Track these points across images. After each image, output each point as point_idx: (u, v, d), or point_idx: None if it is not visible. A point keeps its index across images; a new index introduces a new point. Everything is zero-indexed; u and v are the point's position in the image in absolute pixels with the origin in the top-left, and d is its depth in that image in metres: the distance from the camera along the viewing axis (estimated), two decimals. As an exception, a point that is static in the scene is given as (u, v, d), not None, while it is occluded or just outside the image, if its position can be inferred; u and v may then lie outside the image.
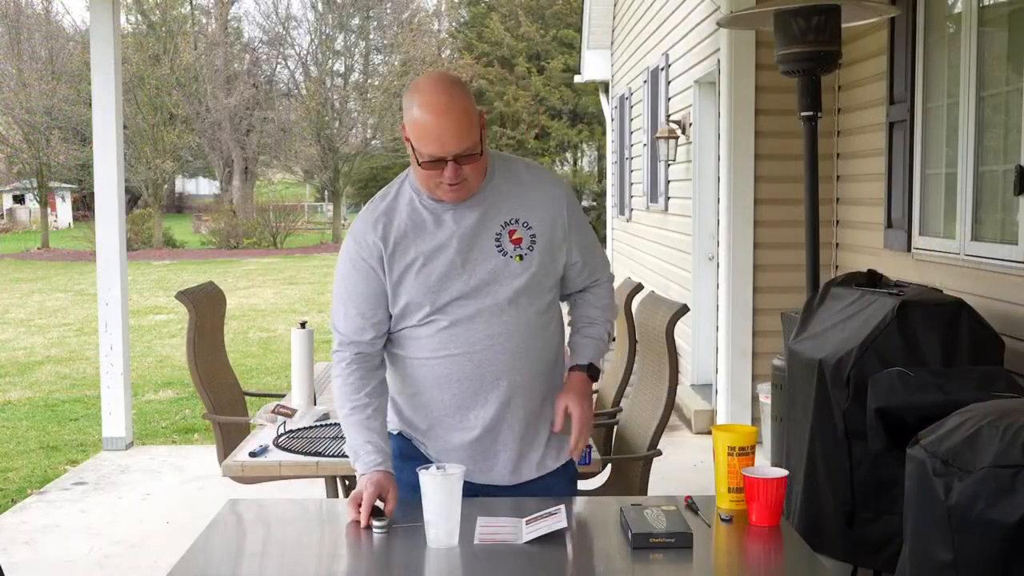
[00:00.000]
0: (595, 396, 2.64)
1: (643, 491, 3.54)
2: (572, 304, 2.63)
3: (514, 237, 2.43)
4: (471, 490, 2.45)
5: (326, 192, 38.71)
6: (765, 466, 2.32)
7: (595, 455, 3.38)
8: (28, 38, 33.53)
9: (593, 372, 2.54)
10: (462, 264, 2.41)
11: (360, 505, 2.25)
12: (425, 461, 2.43)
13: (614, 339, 2.74)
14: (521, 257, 2.43)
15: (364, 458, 2.35)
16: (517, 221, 2.44)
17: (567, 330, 2.65)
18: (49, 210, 36.06)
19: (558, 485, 2.55)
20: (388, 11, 36.53)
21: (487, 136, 2.43)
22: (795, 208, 5.83)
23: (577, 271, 2.55)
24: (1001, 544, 2.40)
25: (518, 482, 2.50)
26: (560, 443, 2.57)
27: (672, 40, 8.39)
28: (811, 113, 4.57)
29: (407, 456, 2.48)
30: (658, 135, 8.37)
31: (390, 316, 2.46)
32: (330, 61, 35.84)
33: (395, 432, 2.56)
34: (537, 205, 2.47)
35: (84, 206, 40.67)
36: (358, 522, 2.24)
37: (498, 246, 2.42)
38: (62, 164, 33.11)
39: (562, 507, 2.24)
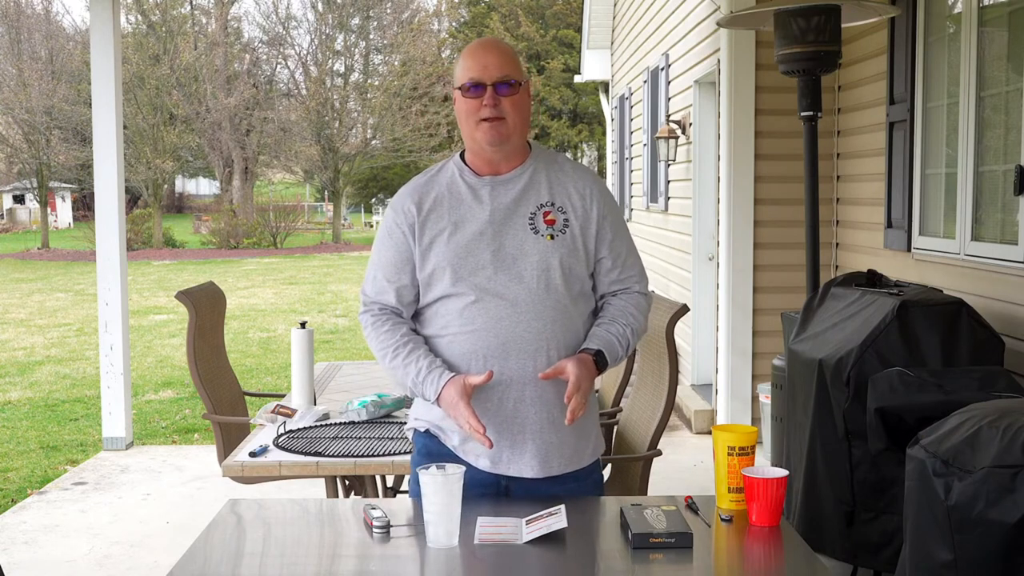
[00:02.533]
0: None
1: (643, 491, 3.53)
2: (600, 308, 2.60)
3: (548, 218, 2.48)
4: (500, 484, 2.46)
5: (326, 192, 38.69)
6: (765, 466, 2.32)
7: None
8: (28, 38, 33.55)
9: (599, 359, 2.46)
10: (492, 235, 2.45)
11: (469, 420, 2.33)
12: (452, 458, 2.44)
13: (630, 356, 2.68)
14: (552, 236, 2.47)
15: (438, 375, 2.40)
16: (553, 205, 2.50)
17: None
18: (49, 210, 36.09)
19: (583, 490, 2.53)
20: (388, 11, 36.53)
21: (531, 102, 2.53)
22: (795, 208, 5.84)
23: (606, 270, 2.55)
24: (1001, 544, 2.40)
25: (547, 475, 2.48)
26: (589, 443, 2.56)
27: (672, 40, 8.39)
28: (811, 113, 4.57)
29: (434, 453, 2.49)
30: (658, 135, 8.37)
31: (416, 285, 2.50)
32: (330, 61, 35.83)
33: (422, 430, 2.57)
34: (574, 194, 2.52)
35: (84, 206, 40.68)
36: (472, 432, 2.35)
37: (531, 224, 2.47)
38: (62, 164, 33.13)
39: (562, 507, 2.24)
